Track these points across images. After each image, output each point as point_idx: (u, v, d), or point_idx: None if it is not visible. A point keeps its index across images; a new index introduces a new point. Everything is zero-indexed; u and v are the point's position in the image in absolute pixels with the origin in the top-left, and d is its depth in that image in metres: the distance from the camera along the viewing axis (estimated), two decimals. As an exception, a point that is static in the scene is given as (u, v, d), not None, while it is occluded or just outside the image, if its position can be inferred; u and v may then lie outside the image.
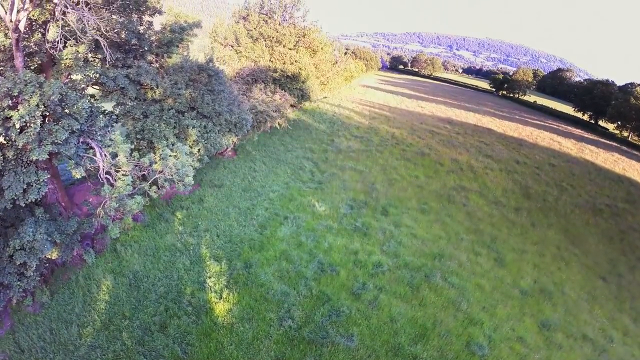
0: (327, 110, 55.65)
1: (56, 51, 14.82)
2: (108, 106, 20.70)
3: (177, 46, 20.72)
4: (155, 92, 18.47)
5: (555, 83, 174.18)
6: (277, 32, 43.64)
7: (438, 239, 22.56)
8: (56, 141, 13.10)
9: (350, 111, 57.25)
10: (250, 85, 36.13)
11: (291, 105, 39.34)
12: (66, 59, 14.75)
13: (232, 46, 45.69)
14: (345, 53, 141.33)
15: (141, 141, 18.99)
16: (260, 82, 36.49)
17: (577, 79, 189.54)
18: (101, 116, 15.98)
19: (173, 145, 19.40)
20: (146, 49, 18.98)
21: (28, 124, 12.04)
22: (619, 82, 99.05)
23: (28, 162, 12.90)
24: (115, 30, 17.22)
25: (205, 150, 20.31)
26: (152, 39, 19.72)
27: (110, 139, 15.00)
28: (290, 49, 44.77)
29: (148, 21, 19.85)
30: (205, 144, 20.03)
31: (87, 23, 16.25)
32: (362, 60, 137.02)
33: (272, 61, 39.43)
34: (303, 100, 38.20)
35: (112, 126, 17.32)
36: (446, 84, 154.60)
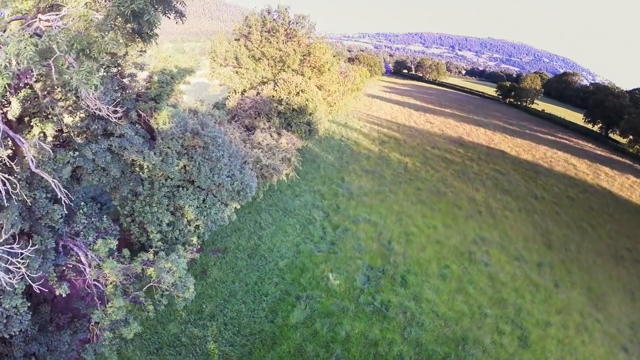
0: (334, 133, 53.56)
1: (21, 134, 12.36)
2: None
3: (168, 96, 18.40)
4: (143, 168, 16.37)
5: (561, 87, 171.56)
6: (281, 50, 41.41)
7: (461, 317, 20.68)
8: (30, 274, 11.23)
9: (358, 133, 55.16)
10: (253, 120, 34.04)
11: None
12: (31, 144, 12.26)
13: (232, 66, 43.57)
14: (352, 60, 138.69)
15: (132, 224, 17.03)
16: (264, 116, 34.36)
17: (584, 82, 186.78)
18: (81, 211, 13.97)
19: (168, 226, 17.44)
20: (130, 107, 16.67)
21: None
22: (622, 81, 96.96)
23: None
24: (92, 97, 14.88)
25: (206, 227, 18.32)
26: (136, 90, 17.28)
27: (94, 249, 13.01)
28: (294, 70, 42.59)
29: (131, 73, 17.47)
30: (205, 220, 18.03)
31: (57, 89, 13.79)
32: (366, 66, 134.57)
33: (276, 90, 37.26)
34: (310, 135, 36.08)
35: (97, 217, 15.23)
36: (451, 90, 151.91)
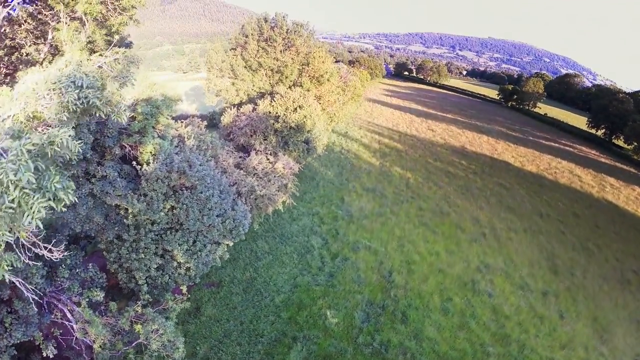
0: (334, 144, 52.76)
1: None
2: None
3: (153, 128, 17.48)
4: (128, 212, 15.58)
5: (562, 89, 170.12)
6: (278, 60, 40.52)
7: (463, 357, 19.87)
8: (12, 341, 10.54)
9: (358, 144, 54.32)
10: (249, 138, 33.21)
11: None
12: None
13: (229, 77, 42.72)
14: (353, 63, 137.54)
15: (119, 270, 16.27)
16: (260, 134, 33.50)
17: (586, 83, 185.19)
18: (64, 265, 13.21)
19: (157, 270, 16.66)
20: (112, 144, 15.75)
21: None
22: (623, 80, 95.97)
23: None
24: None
25: (197, 269, 17.54)
26: (118, 122, 16.25)
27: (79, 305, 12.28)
28: (292, 81, 41.76)
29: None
30: (195, 263, 17.25)
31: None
32: (367, 69, 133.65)
33: (272, 105, 36.46)
34: (309, 154, 35.19)
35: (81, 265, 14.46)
36: (453, 93, 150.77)
